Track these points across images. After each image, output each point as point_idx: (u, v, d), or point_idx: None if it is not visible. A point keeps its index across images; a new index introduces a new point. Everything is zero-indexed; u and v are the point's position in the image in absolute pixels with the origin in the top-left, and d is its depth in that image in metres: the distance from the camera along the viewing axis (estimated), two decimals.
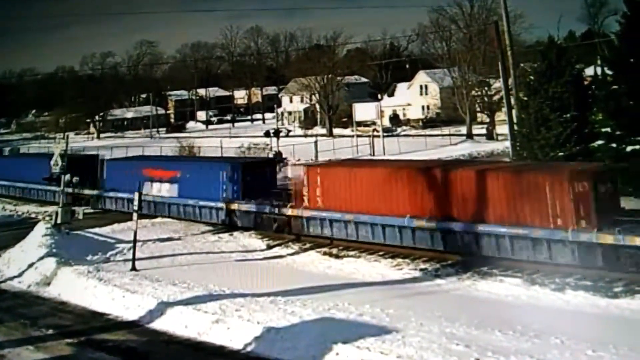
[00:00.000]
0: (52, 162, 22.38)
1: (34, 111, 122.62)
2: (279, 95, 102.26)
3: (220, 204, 22.53)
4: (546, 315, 11.93)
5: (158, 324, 12.97)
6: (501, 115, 47.66)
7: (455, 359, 9.74)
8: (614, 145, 22.03)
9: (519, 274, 14.63)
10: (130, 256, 17.48)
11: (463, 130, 61.36)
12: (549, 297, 13.10)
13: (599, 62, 40.56)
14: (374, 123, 59.57)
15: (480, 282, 14.48)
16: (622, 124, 21.61)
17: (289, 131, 79.26)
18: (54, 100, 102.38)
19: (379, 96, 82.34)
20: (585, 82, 25.26)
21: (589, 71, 41.58)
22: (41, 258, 17.73)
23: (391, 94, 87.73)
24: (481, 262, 15.58)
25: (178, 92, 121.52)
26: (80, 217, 21.79)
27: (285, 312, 12.48)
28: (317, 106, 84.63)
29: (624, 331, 10.89)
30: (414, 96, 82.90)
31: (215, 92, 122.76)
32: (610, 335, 10.53)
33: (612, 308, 12.32)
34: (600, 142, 22.45)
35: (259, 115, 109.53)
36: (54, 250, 18.23)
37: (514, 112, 26.14)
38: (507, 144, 27.59)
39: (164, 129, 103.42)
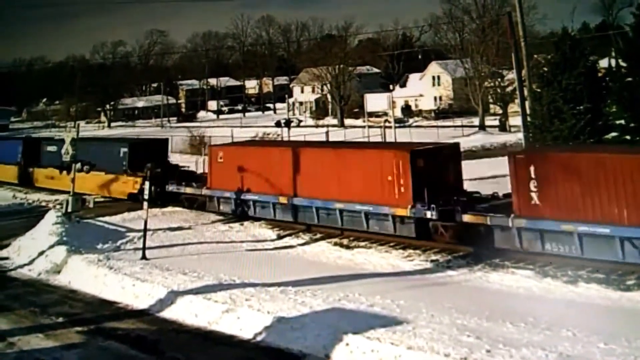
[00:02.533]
0: (62, 151, 22.39)
1: (44, 100, 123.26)
2: (290, 86, 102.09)
3: None
4: (558, 307, 11.84)
5: (168, 313, 12.98)
6: (514, 107, 47.24)
7: (466, 350, 9.66)
8: (628, 137, 21.82)
9: (530, 266, 14.49)
10: (140, 245, 17.51)
11: (476, 121, 61.02)
12: (560, 290, 12.97)
13: (613, 54, 40.08)
14: (385, 114, 59.32)
15: (491, 273, 14.36)
16: (636, 116, 21.38)
17: (300, 121, 79.26)
18: (65, 89, 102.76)
19: (391, 87, 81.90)
20: (600, 74, 24.95)
21: (603, 63, 41.07)
22: (51, 246, 17.82)
23: (403, 85, 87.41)
24: (493, 254, 15.45)
25: (189, 82, 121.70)
26: (91, 205, 21.86)
27: (295, 302, 12.45)
28: (329, 96, 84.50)
29: (636, 324, 10.76)
30: (426, 87, 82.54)
31: (227, 81, 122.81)
32: (622, 327, 10.42)
33: (624, 301, 12.18)
34: (614, 134, 22.24)
35: (270, 105, 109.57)
36: (65, 239, 18.32)
37: (527, 103, 25.88)
38: (520, 135, 27.38)
39: (175, 118, 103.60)
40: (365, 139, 42.09)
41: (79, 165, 22.23)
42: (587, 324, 10.54)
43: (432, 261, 15.84)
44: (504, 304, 12.12)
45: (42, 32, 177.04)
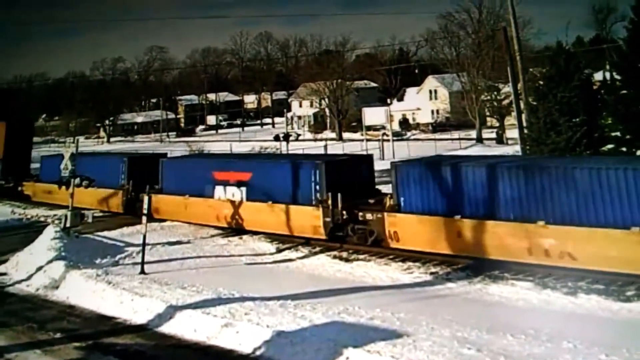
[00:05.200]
0: (61, 166, 22.39)
1: (44, 115, 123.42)
2: (289, 100, 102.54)
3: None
4: (558, 319, 11.78)
5: (167, 328, 12.88)
6: (511, 120, 47.51)
7: None
8: (624, 149, 21.94)
9: (530, 278, 14.48)
10: (139, 259, 17.43)
11: (473, 134, 61.27)
12: (560, 301, 12.93)
13: (607, 67, 40.39)
14: (383, 127, 59.52)
15: (491, 285, 14.33)
16: (631, 128, 21.55)
17: (299, 135, 79.46)
18: (64, 105, 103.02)
19: (388, 101, 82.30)
20: (595, 87, 25.17)
21: (598, 76, 41.34)
22: (50, 261, 17.71)
23: (400, 99, 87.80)
24: (492, 265, 15.43)
25: (188, 97, 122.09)
26: (90, 220, 21.81)
27: (295, 315, 12.39)
28: (327, 110, 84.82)
29: (637, 335, 10.70)
30: (424, 101, 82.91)
31: (225, 96, 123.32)
32: (623, 339, 10.35)
33: (624, 312, 12.14)
34: (610, 146, 22.37)
35: (268, 120, 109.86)
36: (63, 254, 18.21)
37: (523, 116, 26.03)
38: (517, 147, 27.51)
39: (174, 133, 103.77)
40: (364, 152, 42.21)
41: (77, 180, 22.27)
42: (587, 336, 10.49)
43: (431, 273, 15.81)
44: (504, 316, 12.07)
45: (43, 49, 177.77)
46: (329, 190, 18.86)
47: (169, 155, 32.25)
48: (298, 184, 20.07)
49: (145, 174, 24.98)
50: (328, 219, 18.78)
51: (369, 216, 18.31)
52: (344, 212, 18.60)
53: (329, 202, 18.75)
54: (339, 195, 18.57)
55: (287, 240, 20.18)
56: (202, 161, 27.42)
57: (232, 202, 21.80)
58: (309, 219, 19.35)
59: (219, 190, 22.35)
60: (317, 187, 19.39)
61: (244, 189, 21.54)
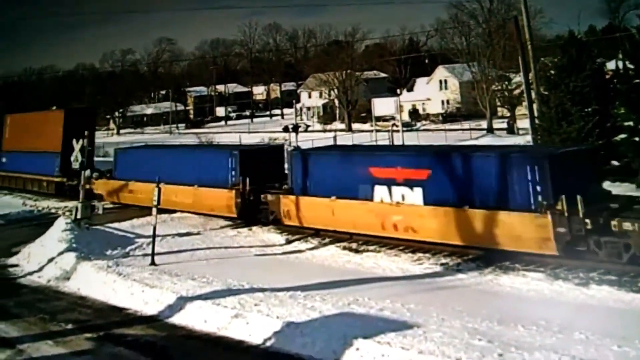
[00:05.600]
0: (72, 158, 22.48)
1: (54, 108, 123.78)
2: (298, 91, 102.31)
3: None
4: (570, 310, 11.71)
5: (177, 319, 12.91)
6: (522, 109, 47.19)
7: (477, 354, 9.55)
8: (636, 138, 21.72)
9: (541, 269, 14.38)
10: (149, 251, 17.49)
11: (483, 124, 60.96)
12: (572, 292, 12.84)
13: (620, 56, 39.96)
14: (393, 118, 59.29)
15: (502, 276, 14.25)
16: None
17: (308, 126, 79.37)
18: (74, 97, 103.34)
19: (398, 91, 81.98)
20: (607, 76, 24.90)
21: (611, 65, 41.01)
22: (61, 253, 17.82)
23: (410, 89, 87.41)
24: (503, 256, 15.34)
25: (197, 89, 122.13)
26: (100, 212, 21.95)
27: (304, 306, 12.37)
28: (336, 101, 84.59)
29: None
30: (434, 91, 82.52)
31: (234, 88, 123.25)
32: (635, 330, 10.26)
33: (637, 302, 12.02)
34: (622, 135, 22.14)
35: (277, 111, 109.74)
36: (74, 245, 18.33)
37: (534, 106, 25.83)
38: (529, 138, 27.32)
39: (183, 124, 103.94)
40: (373, 143, 42.09)
41: (87, 172, 22.36)
42: (599, 327, 10.41)
43: (441, 264, 15.75)
44: (515, 307, 12.00)
45: (52, 42, 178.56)
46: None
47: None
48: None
49: (262, 169, 22.42)
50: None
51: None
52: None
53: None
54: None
55: (296, 231, 20.17)
56: (353, 155, 21.21)
57: (403, 205, 17.52)
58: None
59: (380, 191, 18.19)
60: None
61: (418, 189, 17.33)
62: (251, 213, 21.77)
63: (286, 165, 22.74)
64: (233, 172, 22.31)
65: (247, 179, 21.57)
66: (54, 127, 33.52)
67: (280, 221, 20.59)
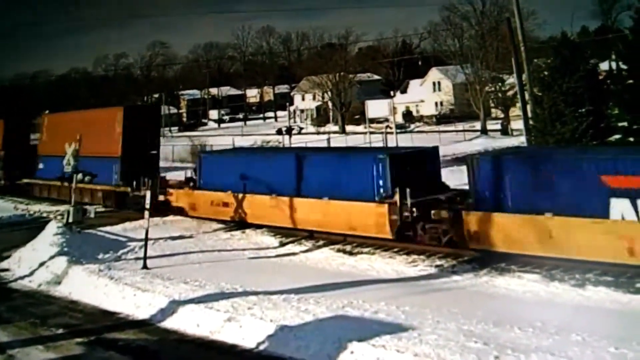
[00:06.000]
0: (64, 162, 22.29)
1: (47, 112, 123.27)
2: (291, 94, 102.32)
3: None
4: (566, 311, 11.61)
5: (169, 323, 12.77)
6: (516, 111, 47.22)
7: (473, 357, 9.45)
8: (631, 139, 21.72)
9: (537, 270, 14.28)
10: (141, 254, 17.32)
11: (477, 125, 61.05)
12: (568, 293, 12.75)
13: (613, 56, 40.08)
14: (386, 119, 59.32)
15: (497, 278, 14.16)
16: (638, 117, 21.30)
17: (301, 129, 79.29)
18: (68, 101, 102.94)
19: (392, 93, 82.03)
20: (600, 77, 24.94)
21: (604, 66, 41.11)
22: (52, 257, 17.65)
23: (404, 91, 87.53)
24: (499, 258, 15.25)
25: (190, 92, 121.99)
26: (92, 215, 21.73)
27: (298, 310, 12.25)
28: (330, 104, 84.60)
29: None
30: (427, 93, 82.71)
31: (228, 91, 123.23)
32: (632, 331, 10.18)
33: (634, 304, 11.93)
34: (617, 136, 22.16)
35: (271, 114, 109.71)
36: (65, 249, 18.14)
37: (528, 107, 25.82)
38: (523, 139, 27.28)
39: (176, 127, 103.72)
40: (367, 145, 42.09)
41: (80, 176, 22.17)
42: (596, 328, 10.31)
43: (436, 266, 15.65)
44: (511, 309, 11.91)
45: (45, 47, 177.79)
46: None
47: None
48: None
49: (414, 177, 17.92)
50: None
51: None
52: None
53: None
54: None
55: (290, 234, 20.03)
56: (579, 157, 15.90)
57: None
58: None
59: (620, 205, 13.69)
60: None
61: None
62: (410, 233, 17.46)
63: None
64: (380, 182, 17.73)
65: (407, 191, 16.73)
66: (109, 128, 28.34)
67: (465, 244, 16.05)
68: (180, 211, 23.79)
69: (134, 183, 25.08)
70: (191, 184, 23.86)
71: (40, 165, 33.29)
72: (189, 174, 25.21)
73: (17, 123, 39.96)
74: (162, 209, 23.93)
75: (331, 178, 19.07)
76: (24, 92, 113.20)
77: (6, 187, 36.36)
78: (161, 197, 24.07)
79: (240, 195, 21.24)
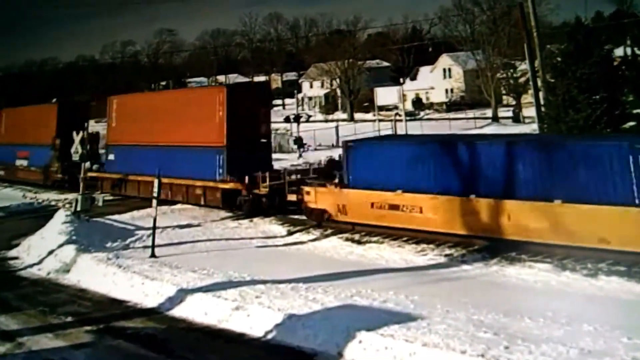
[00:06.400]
0: (72, 150, 22.27)
1: (54, 100, 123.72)
2: (299, 81, 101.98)
3: None
4: (578, 301, 11.49)
5: (177, 311, 12.75)
6: (528, 98, 46.85)
7: (483, 347, 9.32)
8: None
9: (548, 259, 14.13)
10: (149, 243, 17.31)
11: (488, 113, 60.67)
12: (580, 283, 12.63)
13: (628, 42, 39.54)
14: (396, 107, 58.99)
15: (508, 267, 14.04)
16: None
17: (309, 116, 79.09)
18: (75, 89, 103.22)
19: (401, 80, 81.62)
20: (615, 63, 24.53)
21: (619, 52, 40.55)
22: (61, 245, 17.67)
23: (413, 78, 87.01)
24: (509, 247, 15.10)
25: (198, 79, 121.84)
26: (100, 204, 21.74)
27: (306, 299, 12.17)
28: (338, 91, 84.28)
29: None
30: (437, 80, 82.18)
31: (235, 78, 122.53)
32: None
33: None
34: (631, 123, 21.83)
35: (278, 101, 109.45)
36: (74, 238, 18.18)
37: (541, 94, 25.49)
38: (535, 126, 26.99)
39: None
40: (376, 133, 41.82)
41: (88, 164, 22.18)
42: (608, 319, 10.17)
43: (446, 255, 15.54)
44: (522, 298, 11.80)
45: (53, 34, 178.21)
46: None
47: None
48: None
49: None
50: None
51: None
52: None
53: None
54: None
55: (298, 222, 19.94)
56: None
57: None
58: None
59: None
60: None
61: None
62: None
63: None
64: None
65: None
66: (208, 112, 23.54)
67: None
68: (320, 215, 19.50)
69: (246, 178, 21.67)
70: (336, 180, 19.51)
71: (111, 157, 28.83)
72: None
73: (73, 107, 36.05)
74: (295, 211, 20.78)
75: (549, 173, 14.83)
76: (31, 79, 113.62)
77: (64, 181, 31.66)
78: (292, 197, 20.67)
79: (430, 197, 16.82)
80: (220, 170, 22.83)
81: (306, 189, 19.95)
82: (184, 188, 24.19)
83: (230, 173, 22.41)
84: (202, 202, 23.65)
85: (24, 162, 35.16)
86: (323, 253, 16.71)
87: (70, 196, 24.43)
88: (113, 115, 29.40)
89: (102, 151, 30.79)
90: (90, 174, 26.03)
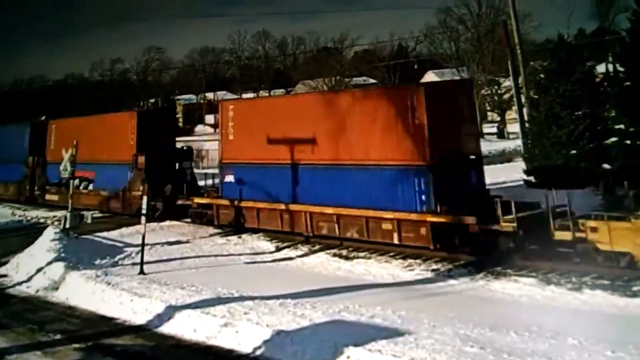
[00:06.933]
0: (61, 167, 22.27)
1: (43, 117, 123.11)
2: None
3: None
4: (562, 315, 11.63)
5: (166, 328, 12.78)
6: (512, 114, 47.34)
7: None
8: (628, 142, 21.70)
9: (533, 274, 14.31)
10: (138, 260, 17.30)
11: None
12: (565, 297, 12.79)
13: (610, 59, 40.11)
14: None
15: (494, 282, 14.19)
16: (635, 120, 21.27)
17: None
18: (64, 107, 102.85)
19: None
20: (597, 79, 24.90)
21: (601, 68, 41.11)
22: (49, 263, 17.64)
23: None
24: (495, 262, 15.28)
25: (186, 96, 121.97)
26: (89, 221, 21.69)
27: (295, 314, 12.26)
28: None
29: None
30: None
31: (224, 95, 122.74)
32: (629, 335, 10.21)
33: (631, 308, 11.98)
34: (614, 139, 22.12)
35: None
36: (63, 255, 18.14)
37: (524, 110, 25.84)
38: (519, 142, 27.34)
39: None
40: None
41: (76, 182, 22.15)
42: (593, 332, 10.34)
43: (432, 270, 15.67)
44: (507, 312, 11.94)
45: (41, 52, 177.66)
46: None
47: None
48: None
49: None
50: None
51: None
52: None
53: None
54: None
55: (286, 239, 20.02)
56: None
57: None
58: None
59: None
60: None
61: None
62: None
63: None
64: None
65: None
66: (396, 119, 17.60)
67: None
68: None
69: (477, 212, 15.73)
70: None
71: (229, 178, 22.45)
72: None
73: (156, 117, 31.12)
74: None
75: None
76: (20, 97, 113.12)
77: (155, 210, 24.39)
78: (563, 235, 14.44)
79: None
80: (424, 198, 16.86)
81: (591, 223, 14.19)
82: (361, 221, 18.16)
83: (440, 200, 16.55)
84: (398, 240, 17.30)
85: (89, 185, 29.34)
86: (311, 269, 16.77)
87: (59, 213, 24.34)
88: (230, 124, 23.06)
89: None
90: (198, 200, 23.53)
